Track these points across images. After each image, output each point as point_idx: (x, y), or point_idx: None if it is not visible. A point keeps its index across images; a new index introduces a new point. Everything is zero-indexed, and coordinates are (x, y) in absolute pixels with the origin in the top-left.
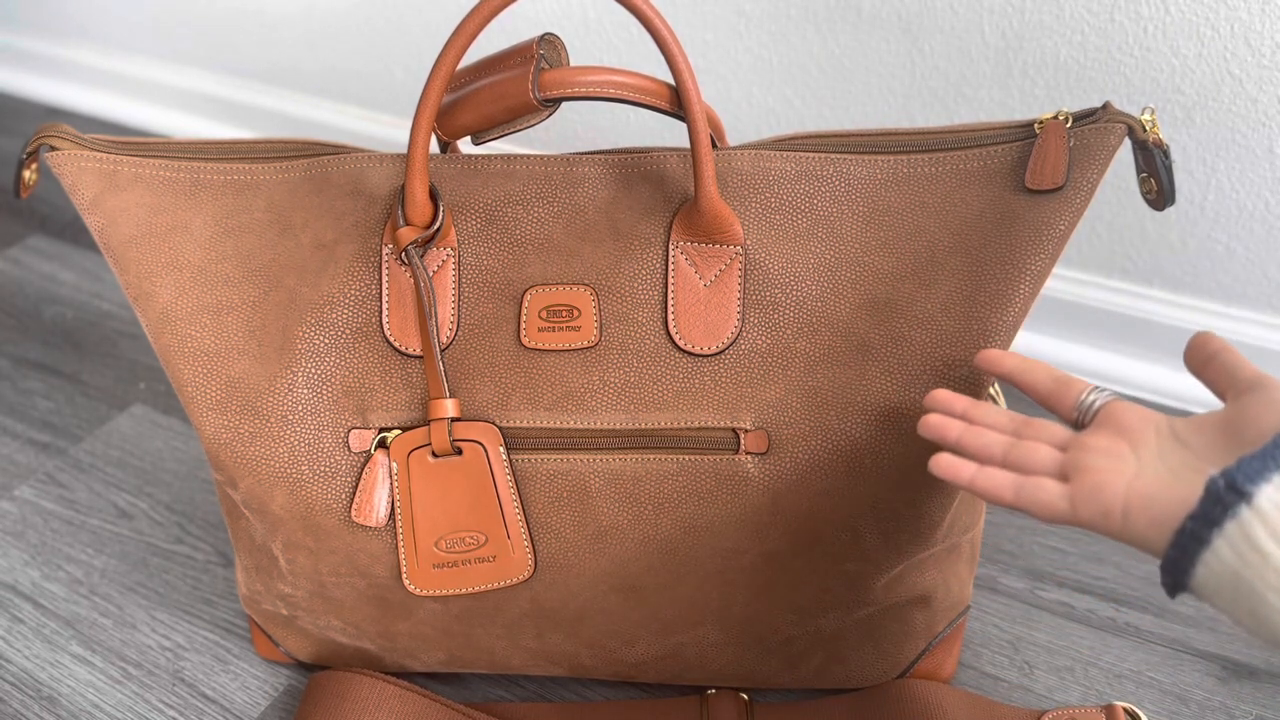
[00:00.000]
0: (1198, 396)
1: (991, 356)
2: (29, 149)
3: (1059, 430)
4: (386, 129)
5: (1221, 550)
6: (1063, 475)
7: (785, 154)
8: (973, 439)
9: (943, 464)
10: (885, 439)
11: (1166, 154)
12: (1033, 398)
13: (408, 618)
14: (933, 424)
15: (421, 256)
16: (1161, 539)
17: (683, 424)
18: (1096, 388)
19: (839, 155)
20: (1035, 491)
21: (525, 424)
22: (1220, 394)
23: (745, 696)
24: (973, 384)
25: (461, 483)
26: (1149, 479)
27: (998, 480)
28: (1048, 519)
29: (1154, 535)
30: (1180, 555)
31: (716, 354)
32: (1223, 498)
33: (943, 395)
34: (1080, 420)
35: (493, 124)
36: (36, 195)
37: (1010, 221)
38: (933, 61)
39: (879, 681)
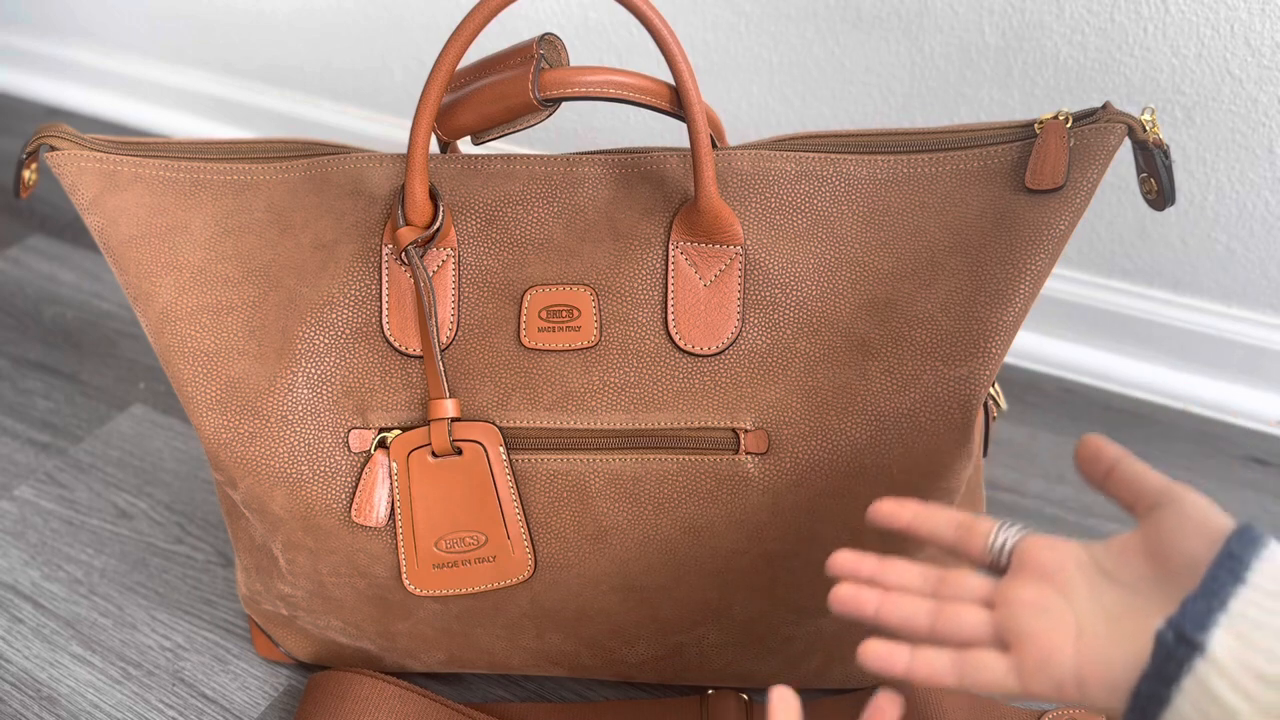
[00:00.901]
0: (1197, 396)
1: (885, 510)
2: (29, 149)
3: (978, 583)
4: (386, 129)
5: (1183, 708)
6: (999, 641)
7: (785, 154)
8: (892, 610)
9: (872, 655)
10: (885, 439)
11: (1166, 154)
12: (938, 548)
13: (408, 618)
14: (845, 598)
15: (421, 256)
16: (1121, 704)
17: (683, 424)
18: (1002, 525)
19: (839, 155)
20: (978, 672)
21: (525, 424)
22: (1128, 508)
23: (745, 696)
24: (971, 385)
25: (461, 483)
26: (1093, 636)
27: (936, 665)
28: (993, 695)
29: (1114, 702)
30: (1151, 688)
31: (716, 354)
32: (1174, 652)
33: (846, 558)
34: (995, 563)
35: (493, 124)
36: (36, 195)
37: (1010, 221)
38: (933, 61)
39: (879, 682)
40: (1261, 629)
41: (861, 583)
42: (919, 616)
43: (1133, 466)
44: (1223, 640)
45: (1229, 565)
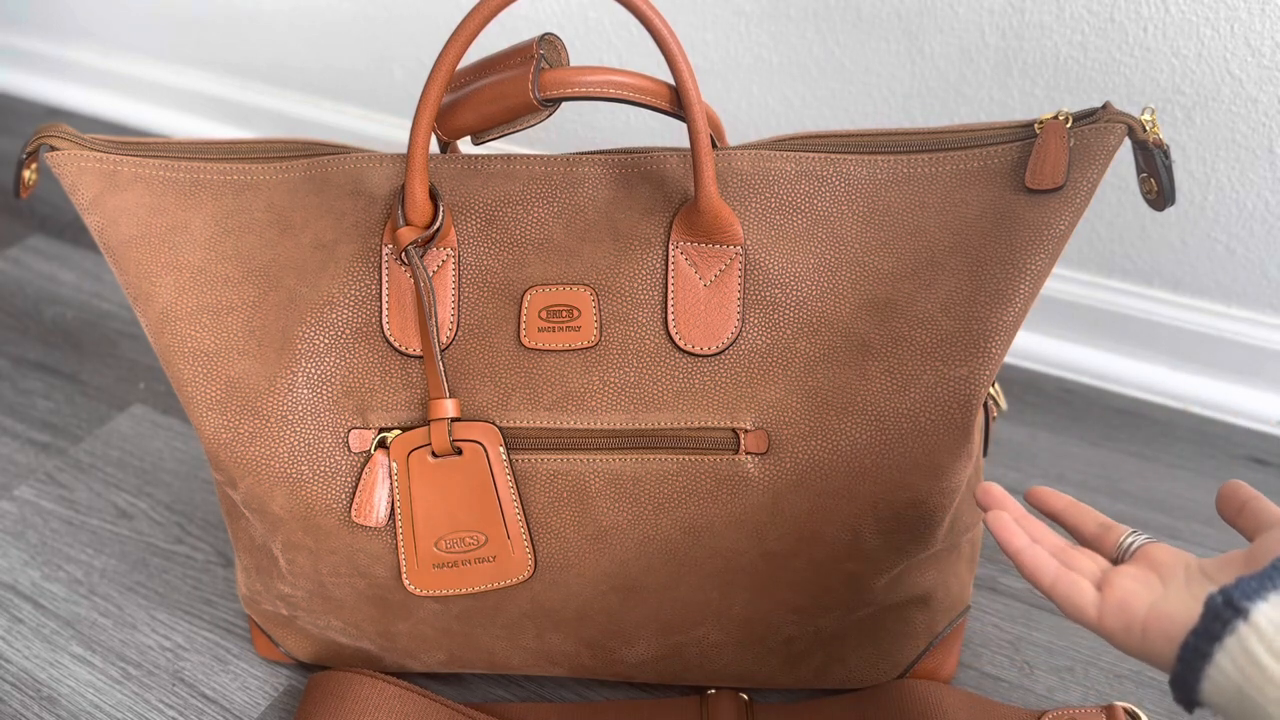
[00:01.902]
0: (1198, 396)
1: (1042, 494)
2: (29, 149)
3: (1099, 559)
4: (386, 129)
5: (1223, 664)
6: (1097, 587)
7: (785, 154)
8: (1030, 556)
9: (996, 522)
10: (885, 439)
11: (1166, 154)
12: (1077, 538)
13: (408, 618)
14: (1002, 525)
15: (421, 257)
16: (1173, 654)
17: (683, 424)
18: (1136, 532)
19: (839, 155)
20: (1071, 587)
21: (525, 424)
22: (1250, 537)
23: (745, 697)
24: (971, 385)
25: (461, 483)
26: (1170, 603)
27: (1043, 560)
28: (1071, 616)
29: (1168, 652)
30: (1186, 670)
31: (716, 354)
32: (1220, 613)
33: (999, 494)
34: (1118, 559)
35: (493, 124)
36: (36, 195)
37: (1010, 221)
38: (933, 61)
39: (879, 682)
40: None
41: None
42: (1048, 569)
43: (1263, 504)
44: (1265, 611)
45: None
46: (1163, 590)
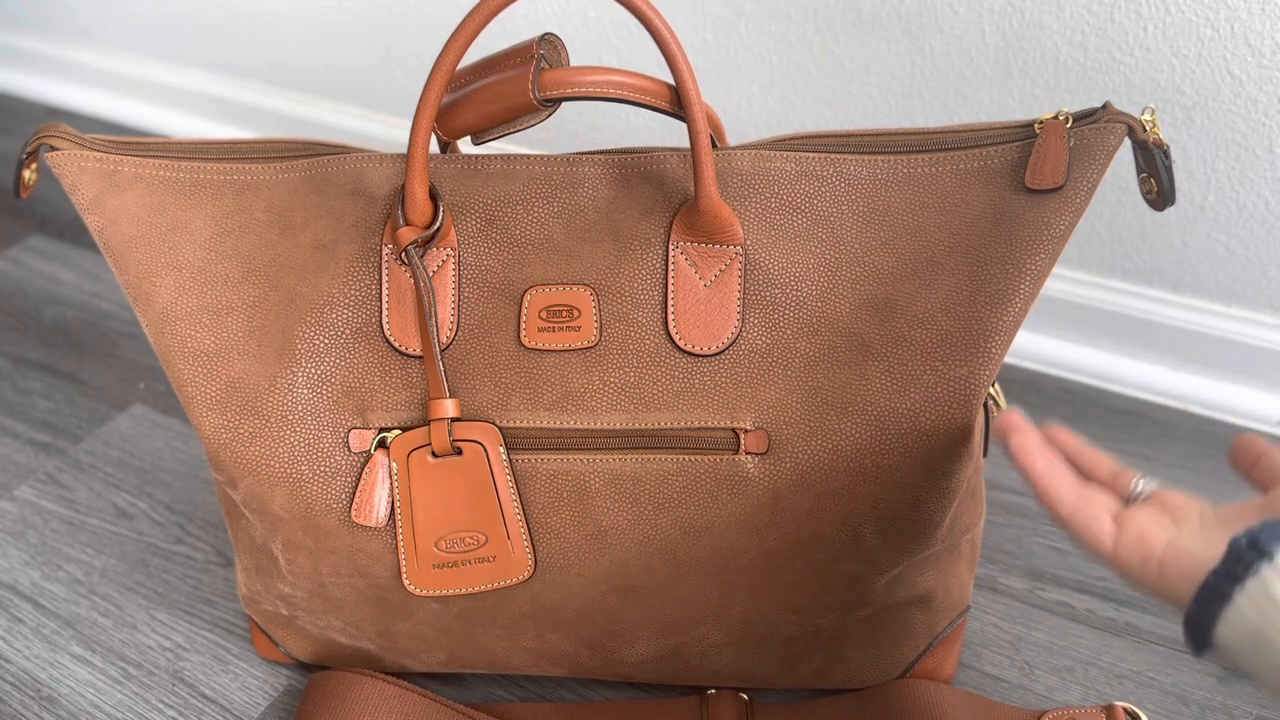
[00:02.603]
0: (1198, 396)
1: (1057, 433)
2: (29, 149)
3: (1113, 498)
4: (386, 129)
5: (1243, 605)
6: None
7: (785, 154)
8: (1049, 482)
9: (1020, 445)
10: (885, 439)
11: (1166, 154)
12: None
13: (408, 618)
14: (1024, 448)
15: (421, 257)
16: (1190, 591)
17: (683, 424)
18: (1147, 478)
19: (839, 155)
20: (1090, 518)
21: (525, 424)
22: (1264, 489)
23: (745, 697)
24: (971, 385)
25: (461, 483)
26: (1188, 540)
27: (1063, 486)
28: (1087, 548)
29: (1184, 589)
30: (1202, 611)
31: (716, 354)
32: (1244, 555)
33: (1021, 421)
34: (1130, 501)
35: (493, 124)
36: (36, 195)
37: (1010, 221)
38: (933, 61)
39: (879, 682)
40: None
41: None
42: (1067, 496)
43: (1277, 456)
44: None
45: None
46: (1178, 531)
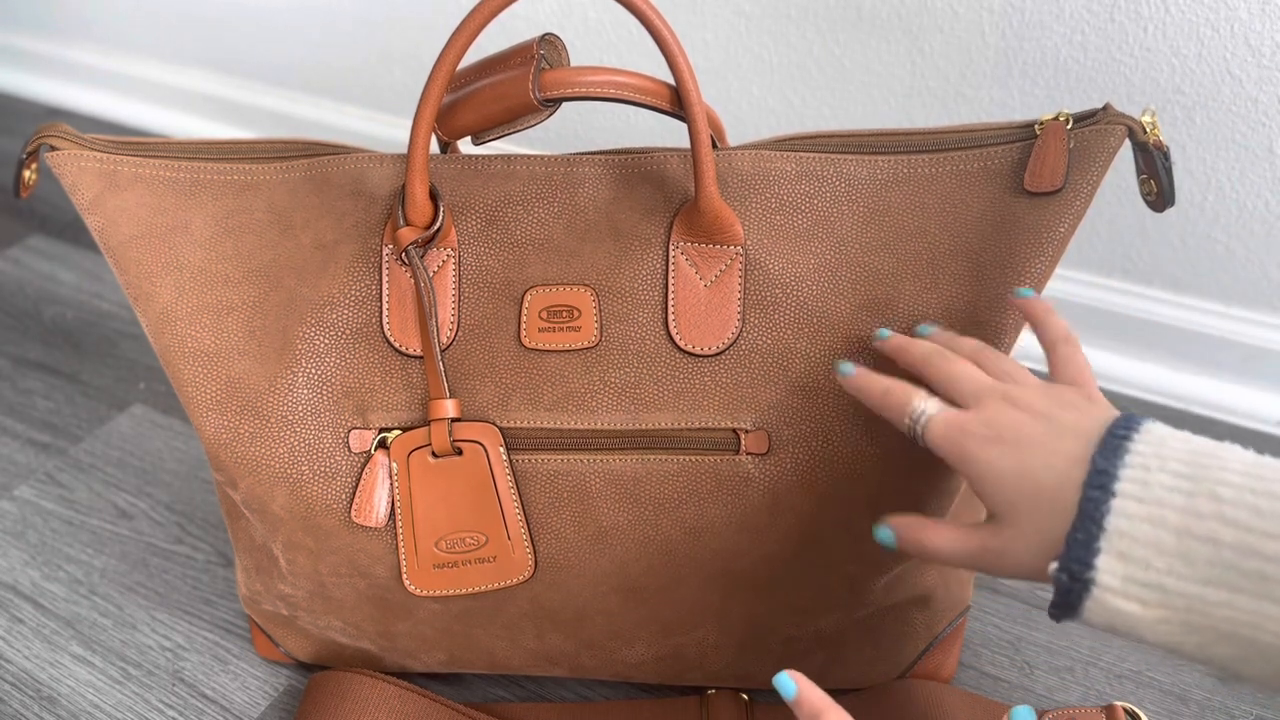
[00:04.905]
0: (1198, 396)
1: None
2: (29, 149)
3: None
4: (386, 129)
5: (1090, 619)
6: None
7: (785, 154)
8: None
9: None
10: (885, 440)
11: (1167, 156)
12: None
13: (408, 618)
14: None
15: (422, 257)
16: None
17: (683, 424)
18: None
19: (839, 155)
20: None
21: (525, 424)
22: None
23: (745, 697)
24: None
25: (462, 483)
26: (1008, 545)
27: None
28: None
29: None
30: (1059, 618)
31: (717, 354)
32: (1071, 589)
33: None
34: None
35: (493, 124)
36: (36, 195)
37: (1011, 224)
38: (933, 61)
39: (879, 682)
40: (1135, 540)
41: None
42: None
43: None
44: (1107, 565)
45: (1099, 482)
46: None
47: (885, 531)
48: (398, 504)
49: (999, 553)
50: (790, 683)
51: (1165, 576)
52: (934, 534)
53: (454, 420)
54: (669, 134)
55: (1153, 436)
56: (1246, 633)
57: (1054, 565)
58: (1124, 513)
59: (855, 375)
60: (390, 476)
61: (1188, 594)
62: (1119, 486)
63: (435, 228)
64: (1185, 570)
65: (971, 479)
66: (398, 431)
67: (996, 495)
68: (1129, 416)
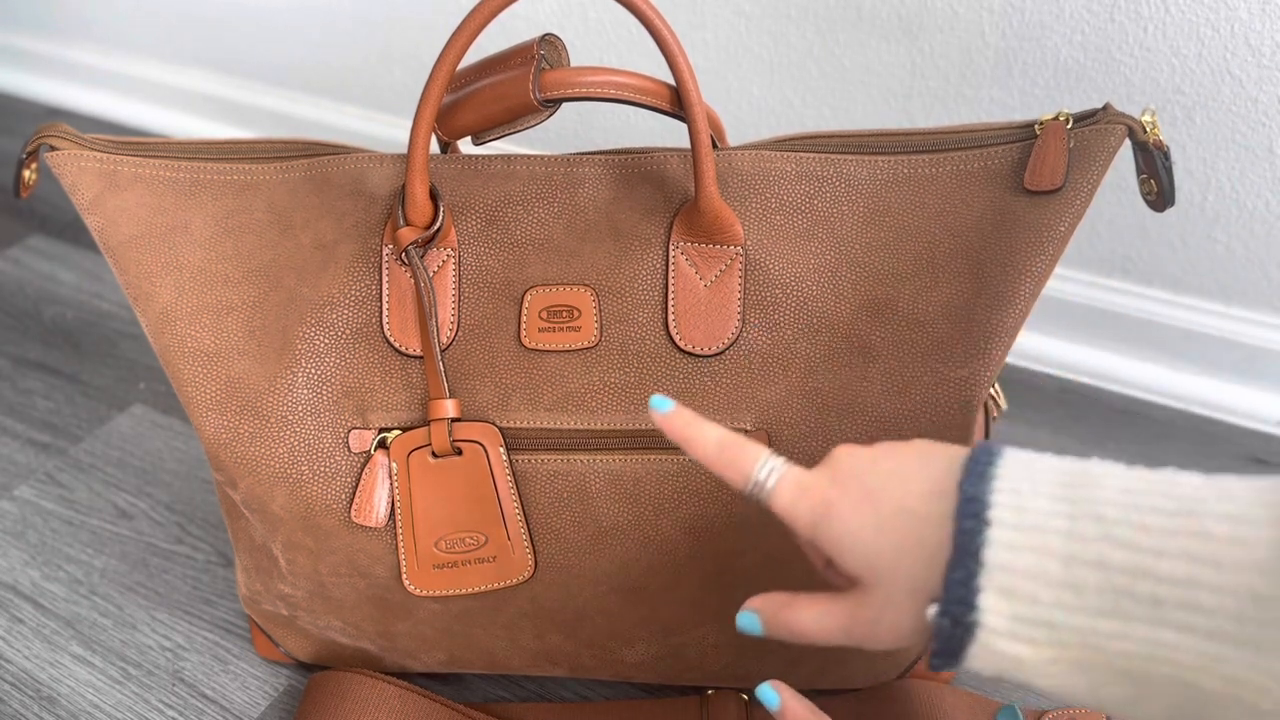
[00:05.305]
0: (1197, 396)
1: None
2: (29, 149)
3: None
4: (386, 129)
5: (975, 664)
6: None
7: (785, 154)
8: None
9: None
10: (886, 440)
11: (1167, 155)
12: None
13: (407, 618)
14: None
15: (422, 257)
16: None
17: None
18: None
19: (839, 155)
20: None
21: (525, 424)
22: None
23: (745, 697)
24: (971, 386)
25: (461, 483)
26: (882, 618)
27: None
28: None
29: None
30: (940, 667)
31: (717, 354)
32: (953, 634)
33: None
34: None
35: (493, 124)
36: (36, 195)
37: (1011, 223)
38: (933, 61)
39: (878, 682)
40: (1017, 573)
41: None
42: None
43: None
44: (991, 604)
45: (970, 510)
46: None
47: (748, 617)
48: (397, 504)
49: (871, 621)
50: (773, 693)
51: (1053, 610)
52: (799, 612)
53: (454, 420)
54: (669, 134)
55: (1018, 458)
56: (1141, 666)
57: (933, 609)
58: (1003, 543)
59: (675, 413)
60: (390, 476)
61: (1079, 627)
62: (993, 514)
63: (435, 228)
64: (1074, 601)
65: (828, 543)
66: (398, 431)
67: (857, 560)
68: (986, 446)
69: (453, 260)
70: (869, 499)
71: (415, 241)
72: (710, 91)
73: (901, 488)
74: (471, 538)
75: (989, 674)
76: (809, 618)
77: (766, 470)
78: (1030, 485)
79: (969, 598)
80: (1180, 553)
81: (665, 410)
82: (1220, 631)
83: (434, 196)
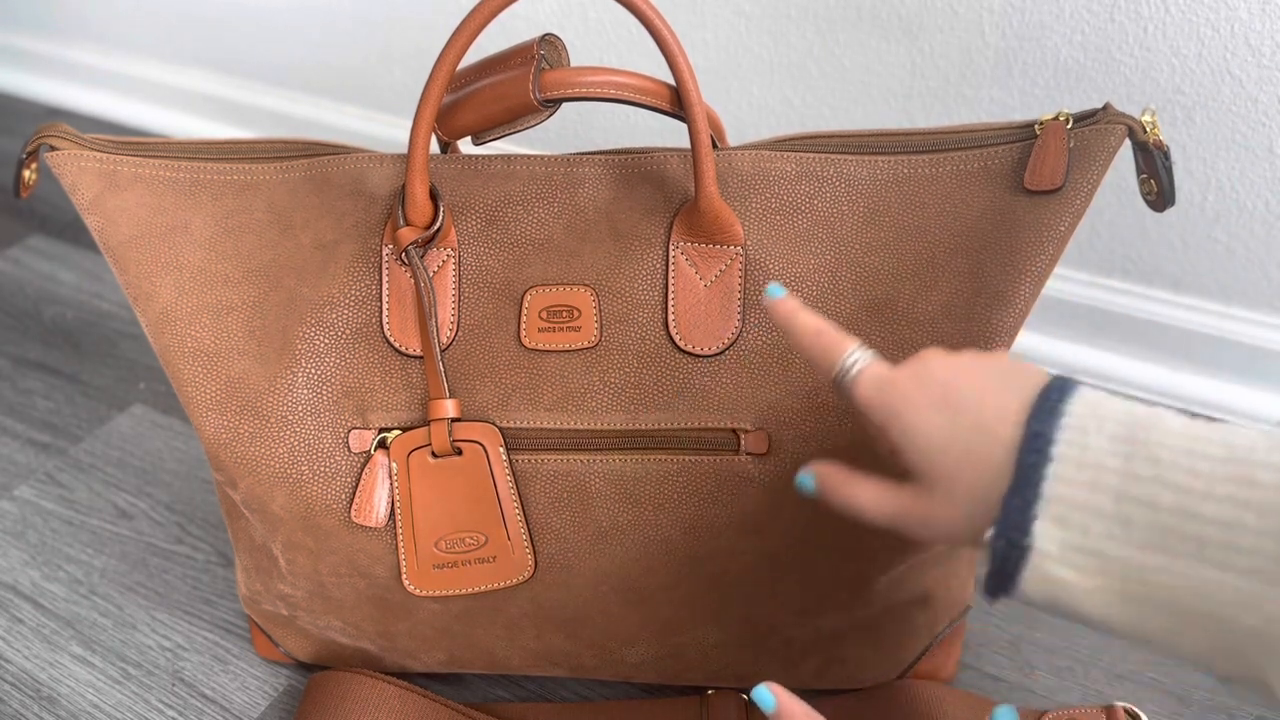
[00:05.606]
0: (1198, 396)
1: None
2: (29, 149)
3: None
4: (386, 129)
5: (1026, 589)
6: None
7: (785, 154)
8: None
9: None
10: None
11: (1167, 155)
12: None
13: (407, 618)
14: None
15: (422, 257)
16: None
17: (683, 424)
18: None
19: (839, 156)
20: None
21: (525, 424)
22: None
23: (745, 696)
24: None
25: (461, 483)
26: (940, 517)
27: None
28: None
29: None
30: (995, 591)
31: (717, 354)
32: (1009, 555)
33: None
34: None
35: (493, 124)
36: (36, 195)
37: (1011, 223)
38: (933, 61)
39: (879, 682)
40: (1072, 505)
41: None
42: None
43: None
44: (1045, 531)
45: (1035, 445)
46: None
47: (807, 478)
48: (397, 504)
49: (924, 517)
50: (769, 695)
51: (1103, 541)
52: (857, 489)
53: (454, 420)
54: (669, 134)
55: (1088, 399)
56: (1183, 599)
57: (990, 532)
58: (1062, 477)
59: (785, 300)
60: (390, 476)
61: (1125, 559)
62: (1056, 450)
63: (435, 228)
64: (1123, 535)
65: (896, 439)
66: (398, 431)
67: (923, 457)
68: (1061, 379)
69: (453, 260)
70: (947, 404)
71: (415, 241)
72: (710, 91)
73: (979, 401)
74: (471, 538)
75: (1040, 600)
76: (867, 496)
77: (853, 359)
78: (1096, 424)
79: (1024, 524)
80: (1225, 497)
81: (777, 295)
82: (1259, 570)
83: (434, 196)
